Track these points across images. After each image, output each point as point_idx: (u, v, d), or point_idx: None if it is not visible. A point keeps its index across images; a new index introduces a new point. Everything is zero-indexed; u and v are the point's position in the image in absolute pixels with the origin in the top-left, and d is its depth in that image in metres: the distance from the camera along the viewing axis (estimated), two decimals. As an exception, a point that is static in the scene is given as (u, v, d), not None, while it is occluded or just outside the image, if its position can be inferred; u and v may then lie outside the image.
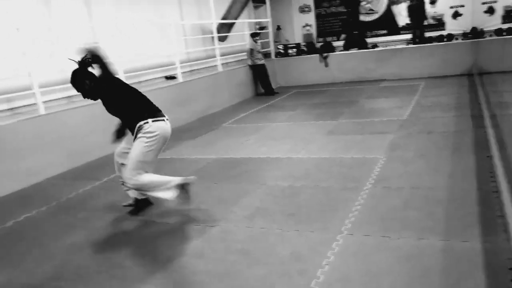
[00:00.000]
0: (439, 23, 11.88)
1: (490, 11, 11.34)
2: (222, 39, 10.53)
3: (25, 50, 5.36)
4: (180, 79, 8.21)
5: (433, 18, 11.89)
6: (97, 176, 5.26)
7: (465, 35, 11.19)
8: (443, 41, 11.02)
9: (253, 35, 10.77)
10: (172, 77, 8.73)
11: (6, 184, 4.92)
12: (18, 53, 5.48)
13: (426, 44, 10.95)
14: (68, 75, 3.62)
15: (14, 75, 5.76)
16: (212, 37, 10.09)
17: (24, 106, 5.94)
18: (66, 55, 6.49)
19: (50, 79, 6.26)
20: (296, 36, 13.62)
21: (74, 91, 3.69)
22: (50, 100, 6.22)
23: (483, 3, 11.38)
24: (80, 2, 7.10)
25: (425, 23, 11.47)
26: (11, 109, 5.86)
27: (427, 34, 11.32)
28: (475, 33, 10.99)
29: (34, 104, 5.64)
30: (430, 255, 2.76)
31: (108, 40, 7.06)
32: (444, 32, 11.49)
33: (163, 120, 3.62)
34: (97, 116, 6.14)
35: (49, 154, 5.46)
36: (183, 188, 3.63)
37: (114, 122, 6.18)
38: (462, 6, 11.60)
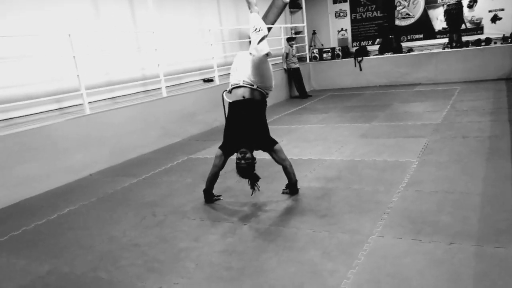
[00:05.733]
0: (477, 27, 11.60)
1: (532, 14, 10.98)
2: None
3: (75, 54, 5.62)
4: (217, 81, 8.40)
5: (471, 22, 11.62)
6: (136, 173, 5.48)
7: (504, 39, 10.86)
8: (481, 45, 10.75)
9: (289, 40, 10.88)
10: (210, 80, 8.94)
11: (52, 179, 5.19)
12: (69, 57, 5.77)
13: (462, 48, 10.71)
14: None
15: (64, 77, 6.07)
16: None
17: (72, 106, 6.24)
18: (111, 59, 6.84)
19: (96, 81, 6.58)
20: (331, 40, 13.61)
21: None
22: (95, 101, 6.51)
23: (525, 6, 11.05)
24: (127, 9, 7.39)
25: (463, 27, 11.22)
26: (60, 109, 6.16)
27: (465, 38, 11.06)
28: (516, 37, 10.66)
29: (81, 104, 5.92)
30: (462, 260, 2.72)
31: (151, 44, 7.32)
32: (482, 36, 11.19)
33: None
34: (138, 117, 6.41)
35: (93, 152, 5.71)
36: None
37: (152, 123, 6.35)
38: (502, 9, 11.28)
